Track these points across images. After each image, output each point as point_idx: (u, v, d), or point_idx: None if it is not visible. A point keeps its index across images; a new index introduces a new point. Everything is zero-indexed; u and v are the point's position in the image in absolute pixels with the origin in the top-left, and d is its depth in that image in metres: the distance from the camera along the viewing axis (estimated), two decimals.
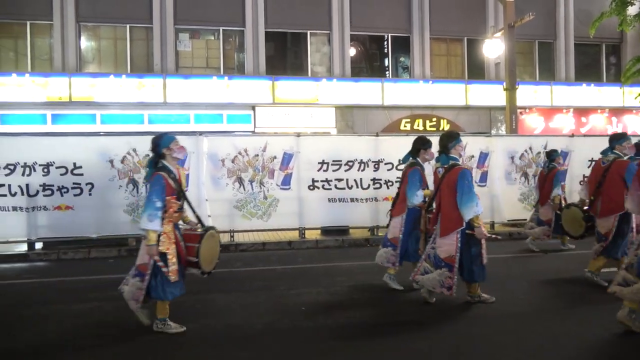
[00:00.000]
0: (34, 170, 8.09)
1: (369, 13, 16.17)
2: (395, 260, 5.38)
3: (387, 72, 16.90)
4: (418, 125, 16.22)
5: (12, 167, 8.03)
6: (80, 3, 14.58)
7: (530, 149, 9.95)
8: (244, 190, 8.82)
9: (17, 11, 14.24)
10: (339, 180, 9.15)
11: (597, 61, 18.41)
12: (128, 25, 14.99)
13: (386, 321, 4.47)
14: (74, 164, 8.19)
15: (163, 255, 4.08)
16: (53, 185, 8.14)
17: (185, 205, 4.39)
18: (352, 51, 16.38)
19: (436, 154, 5.19)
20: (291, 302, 5.09)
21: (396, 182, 9.31)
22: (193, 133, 9.25)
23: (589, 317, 4.47)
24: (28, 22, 14.51)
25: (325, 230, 9.44)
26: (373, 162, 9.26)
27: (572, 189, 10.05)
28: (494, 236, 5.31)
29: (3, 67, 14.42)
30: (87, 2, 14.61)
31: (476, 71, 17.09)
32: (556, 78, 17.56)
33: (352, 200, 9.20)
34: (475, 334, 4.10)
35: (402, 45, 16.81)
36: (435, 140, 5.34)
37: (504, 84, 13.02)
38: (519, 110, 14.02)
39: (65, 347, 4.00)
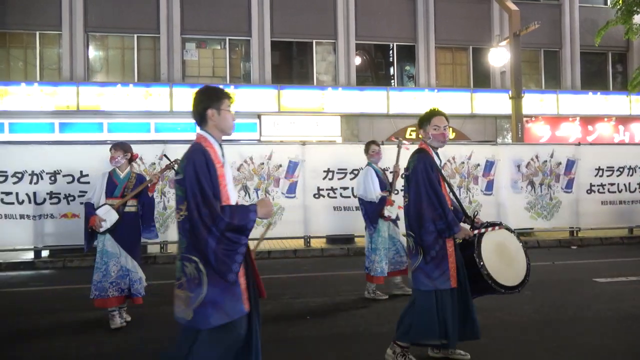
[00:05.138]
0: (41, 179, 8.14)
1: (375, 22, 16.25)
2: None
3: (392, 81, 16.94)
4: None
5: (19, 176, 8.09)
6: (89, 13, 14.76)
7: (537, 157, 9.90)
8: (249, 198, 8.83)
9: (26, 21, 14.43)
10: (345, 188, 9.13)
11: (603, 70, 18.37)
12: (135, 35, 15.15)
13: (392, 331, 4.44)
14: (81, 172, 8.23)
15: None
16: (60, 194, 8.17)
17: None
18: (358, 60, 16.44)
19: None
20: (296, 310, 5.07)
21: (401, 190, 9.28)
22: None
23: None
24: (37, 32, 14.69)
25: (331, 239, 9.42)
26: None
27: (579, 198, 10.00)
28: None
29: (12, 77, 14.59)
30: (96, 13, 14.78)
31: (482, 80, 17.09)
32: (562, 86, 17.52)
33: (357, 208, 9.08)
34: (485, 345, 4.06)
35: (408, 54, 16.87)
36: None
37: (510, 92, 12.99)
38: (525, 119, 13.98)
39: (71, 356, 4.00)
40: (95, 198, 4.77)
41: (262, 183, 8.87)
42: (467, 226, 3.56)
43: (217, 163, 2.54)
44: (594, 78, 18.10)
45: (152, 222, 4.94)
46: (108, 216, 4.64)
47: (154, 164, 8.48)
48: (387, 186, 5.65)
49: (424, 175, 3.43)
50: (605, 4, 17.89)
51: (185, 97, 14.53)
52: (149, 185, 4.80)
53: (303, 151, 9.06)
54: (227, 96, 2.68)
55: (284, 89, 15.30)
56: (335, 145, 13.64)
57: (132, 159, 4.90)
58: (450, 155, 9.44)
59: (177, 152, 8.77)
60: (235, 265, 2.44)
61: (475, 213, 3.74)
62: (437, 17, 16.58)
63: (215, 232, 2.41)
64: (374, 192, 5.55)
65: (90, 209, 4.73)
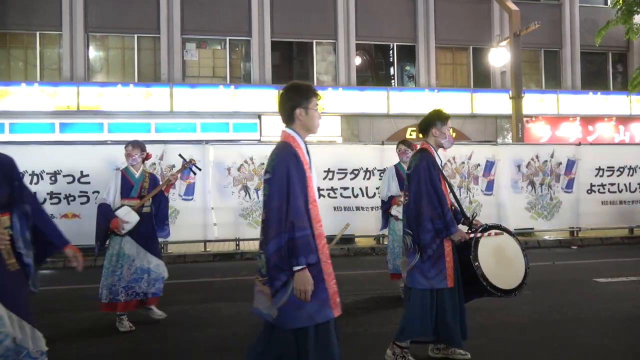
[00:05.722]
0: (42, 179, 8.15)
1: (375, 22, 16.25)
2: None
3: (392, 81, 16.94)
4: None
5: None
6: (89, 13, 14.76)
7: (537, 157, 9.91)
8: (250, 198, 8.84)
9: (26, 22, 14.44)
10: (345, 188, 9.14)
11: (603, 69, 18.36)
12: (136, 35, 15.15)
13: (392, 331, 4.44)
14: (81, 172, 8.24)
15: None
16: (60, 194, 8.19)
17: None
18: (358, 60, 16.44)
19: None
20: None
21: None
22: (199, 142, 9.31)
23: None
24: (37, 33, 14.70)
25: (331, 239, 9.39)
26: (379, 170, 9.24)
27: (580, 198, 9.99)
28: None
29: (13, 77, 14.60)
30: (96, 13, 14.79)
31: (482, 80, 17.09)
32: (562, 86, 17.52)
33: (357, 208, 9.18)
34: (484, 345, 4.06)
35: (408, 54, 16.86)
36: None
37: (510, 92, 13.00)
38: (525, 119, 13.99)
39: (71, 356, 4.00)
40: (110, 198, 4.68)
41: (262, 183, 8.86)
42: (465, 228, 3.55)
43: (305, 165, 2.52)
44: (594, 78, 18.10)
45: (166, 221, 4.91)
46: (129, 218, 4.59)
47: (154, 164, 8.48)
48: None
49: (425, 173, 3.43)
50: (606, 4, 17.89)
51: (185, 97, 14.54)
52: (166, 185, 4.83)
53: None
54: (315, 94, 2.62)
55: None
56: (336, 145, 13.63)
57: (146, 158, 4.88)
58: (450, 155, 9.44)
59: (180, 152, 8.83)
60: (277, 282, 2.37)
61: (474, 214, 3.73)
62: (437, 17, 16.58)
63: (283, 237, 2.32)
64: (386, 192, 5.72)
65: (107, 210, 4.62)
